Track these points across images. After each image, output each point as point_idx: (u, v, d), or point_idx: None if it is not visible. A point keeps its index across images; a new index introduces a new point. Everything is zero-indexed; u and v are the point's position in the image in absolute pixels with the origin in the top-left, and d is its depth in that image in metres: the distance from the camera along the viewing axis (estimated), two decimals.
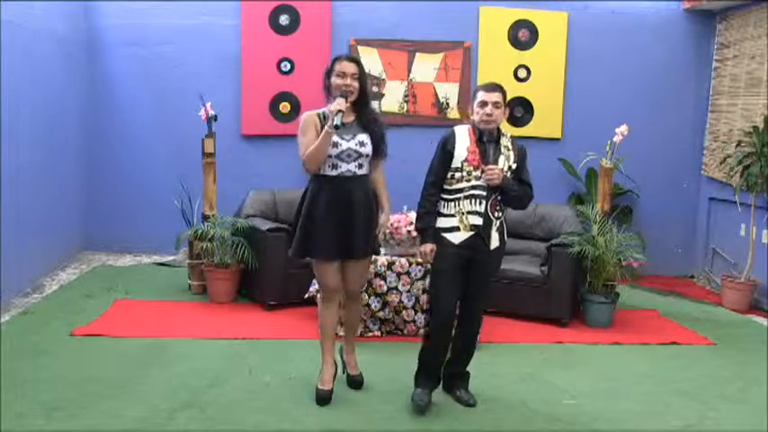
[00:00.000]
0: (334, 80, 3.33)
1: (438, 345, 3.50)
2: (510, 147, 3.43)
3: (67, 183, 6.18)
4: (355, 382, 3.66)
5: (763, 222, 5.66)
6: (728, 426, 3.44)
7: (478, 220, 3.34)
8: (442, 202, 3.40)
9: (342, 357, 3.73)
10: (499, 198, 3.37)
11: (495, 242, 3.40)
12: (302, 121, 3.37)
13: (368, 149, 3.38)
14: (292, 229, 3.50)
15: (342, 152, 3.31)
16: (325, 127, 3.24)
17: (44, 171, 5.56)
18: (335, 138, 3.28)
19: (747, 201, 5.71)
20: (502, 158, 3.37)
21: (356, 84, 3.34)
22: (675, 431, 3.37)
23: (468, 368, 3.64)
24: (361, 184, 3.40)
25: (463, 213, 3.34)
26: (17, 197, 4.97)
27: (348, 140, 3.31)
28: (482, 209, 3.34)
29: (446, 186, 3.39)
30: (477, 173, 3.32)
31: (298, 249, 3.42)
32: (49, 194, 5.71)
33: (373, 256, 3.86)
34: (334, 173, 3.34)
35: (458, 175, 3.35)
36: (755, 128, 5.56)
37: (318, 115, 3.35)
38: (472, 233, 3.34)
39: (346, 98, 3.29)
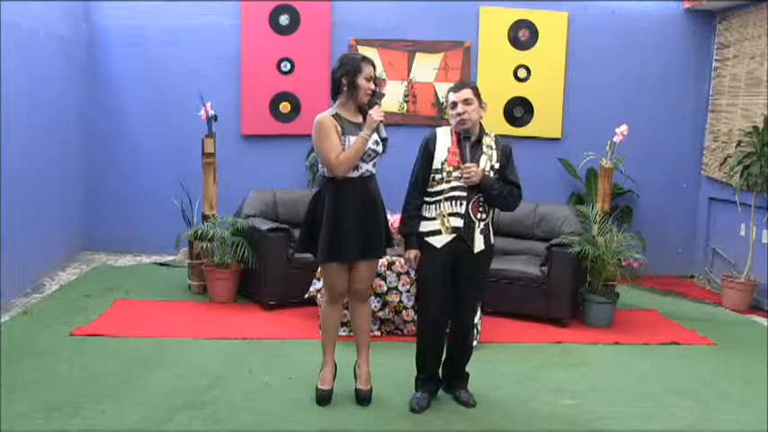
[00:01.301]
0: (362, 83, 3.29)
1: (427, 347, 3.50)
2: (493, 146, 3.38)
3: (67, 183, 6.18)
4: (362, 398, 3.49)
5: (763, 222, 5.66)
6: (729, 426, 3.44)
7: (459, 222, 3.30)
8: (425, 206, 3.36)
9: (354, 371, 3.59)
10: (481, 199, 3.32)
11: (479, 245, 3.34)
12: (320, 126, 3.29)
13: (381, 147, 3.37)
14: (306, 233, 3.44)
15: (363, 153, 3.29)
16: (362, 134, 3.24)
17: (44, 171, 5.56)
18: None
19: (747, 201, 5.71)
20: (484, 158, 3.33)
21: (373, 86, 3.35)
22: (675, 431, 3.37)
23: (467, 368, 3.62)
24: (375, 183, 3.41)
25: (444, 216, 3.30)
26: (17, 197, 4.97)
27: (369, 138, 3.29)
28: (463, 210, 3.29)
29: (428, 189, 3.35)
30: (457, 173, 3.28)
31: (326, 255, 3.33)
32: (49, 194, 5.71)
33: None
34: (355, 174, 3.31)
35: (438, 176, 3.32)
36: (755, 128, 5.56)
37: (334, 116, 3.32)
38: (454, 236, 3.30)
39: (380, 104, 3.32)
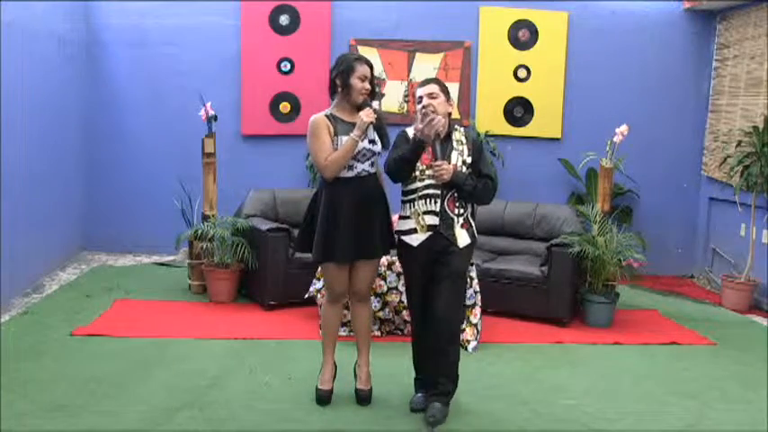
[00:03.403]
0: (356, 83, 3.28)
1: (417, 348, 3.51)
2: (464, 140, 3.36)
3: (68, 182, 6.18)
4: (362, 398, 3.49)
5: (763, 222, 5.66)
6: (728, 426, 3.44)
7: (434, 220, 3.27)
8: (400, 205, 3.36)
9: (354, 371, 3.59)
10: (456, 195, 3.30)
11: (463, 239, 3.31)
12: (313, 126, 3.31)
13: (378, 147, 3.37)
14: (304, 233, 3.44)
15: (357, 153, 3.28)
16: (352, 136, 3.23)
17: (44, 171, 5.56)
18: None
19: (747, 201, 5.71)
20: (455, 153, 3.30)
21: (368, 86, 3.34)
22: (675, 431, 3.37)
23: (449, 382, 3.34)
24: (374, 183, 3.40)
25: (419, 214, 3.28)
26: (17, 197, 4.96)
27: (362, 140, 3.28)
28: (437, 208, 3.27)
29: (402, 188, 3.35)
30: (430, 171, 3.25)
31: (321, 254, 3.34)
32: (49, 194, 5.71)
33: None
34: (350, 174, 3.31)
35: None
36: (755, 128, 5.56)
37: (327, 117, 3.32)
38: (430, 233, 3.28)
39: (372, 106, 3.30)
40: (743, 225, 5.95)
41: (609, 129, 5.44)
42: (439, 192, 3.27)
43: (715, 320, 5.31)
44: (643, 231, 6.32)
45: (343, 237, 3.30)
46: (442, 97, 3.31)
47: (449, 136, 3.34)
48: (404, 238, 3.34)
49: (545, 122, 6.63)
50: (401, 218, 3.37)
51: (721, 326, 5.15)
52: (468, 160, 3.34)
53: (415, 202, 3.30)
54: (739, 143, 5.74)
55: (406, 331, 4.54)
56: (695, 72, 6.69)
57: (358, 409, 3.44)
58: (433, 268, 3.32)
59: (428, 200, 3.28)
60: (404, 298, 4.42)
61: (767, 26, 5.74)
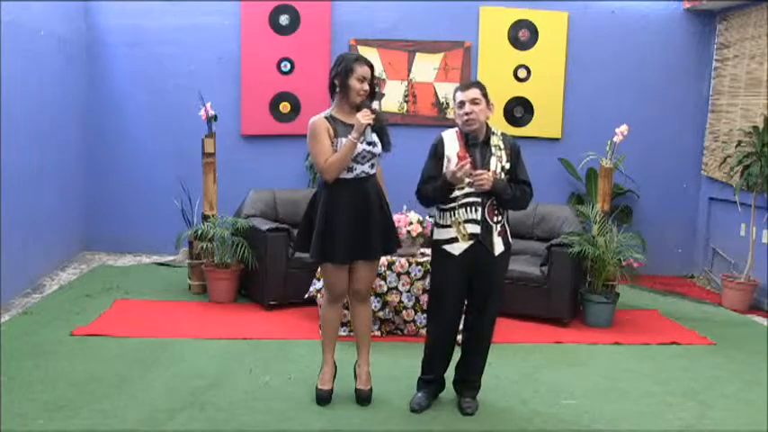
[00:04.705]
0: (354, 83, 3.27)
1: (437, 351, 3.49)
2: (502, 146, 3.31)
3: (67, 183, 6.18)
4: (362, 398, 3.49)
5: (763, 222, 5.66)
6: (728, 426, 3.44)
7: (476, 229, 3.25)
8: (439, 213, 3.33)
9: (354, 371, 3.59)
10: (495, 203, 3.27)
11: (499, 247, 3.31)
12: (313, 128, 3.30)
13: (378, 149, 3.36)
14: (303, 233, 3.45)
15: (357, 154, 3.27)
16: (350, 138, 3.21)
17: (44, 171, 5.56)
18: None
19: (747, 201, 5.71)
20: (494, 160, 3.27)
21: (368, 87, 3.33)
22: (675, 431, 3.37)
23: (480, 378, 3.54)
24: (373, 184, 3.39)
25: (460, 223, 3.25)
26: (17, 197, 4.97)
27: (361, 142, 3.27)
28: (479, 216, 3.24)
29: None
30: (470, 180, 3.20)
31: (319, 254, 3.34)
32: (49, 194, 5.71)
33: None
34: (350, 175, 3.31)
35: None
36: (755, 128, 5.56)
37: (327, 119, 3.32)
38: (471, 242, 3.26)
39: (371, 108, 3.27)
40: (743, 225, 5.95)
41: (609, 129, 5.44)
42: (479, 200, 3.24)
43: (715, 320, 5.31)
44: (643, 231, 6.32)
45: (341, 237, 3.30)
46: (483, 103, 3.26)
47: (487, 142, 3.29)
48: (444, 247, 3.30)
49: (545, 122, 6.63)
50: (439, 226, 3.33)
51: (721, 326, 5.15)
52: (507, 166, 3.30)
53: (456, 211, 3.26)
54: (739, 143, 5.73)
55: (406, 331, 4.54)
56: (695, 72, 6.69)
57: (358, 409, 3.44)
58: (477, 278, 3.32)
59: (469, 208, 3.25)
60: (404, 298, 4.46)
61: (767, 26, 5.74)
